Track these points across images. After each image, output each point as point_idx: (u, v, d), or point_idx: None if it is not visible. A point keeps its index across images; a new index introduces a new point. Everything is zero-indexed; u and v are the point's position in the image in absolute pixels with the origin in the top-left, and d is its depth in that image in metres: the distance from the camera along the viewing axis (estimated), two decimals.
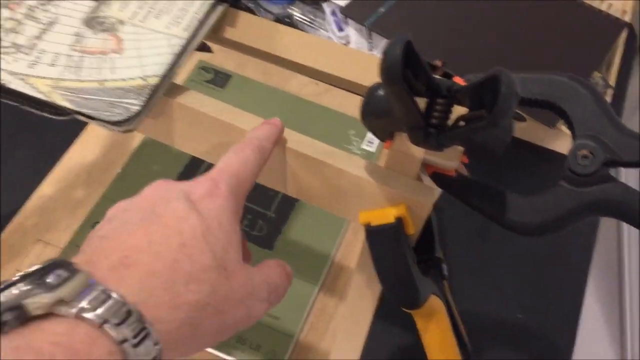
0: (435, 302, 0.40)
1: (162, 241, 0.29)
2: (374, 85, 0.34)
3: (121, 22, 0.39)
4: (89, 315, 0.24)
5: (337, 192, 0.40)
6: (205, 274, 0.29)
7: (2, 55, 0.37)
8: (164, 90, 0.38)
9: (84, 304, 0.25)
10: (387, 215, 0.37)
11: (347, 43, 0.82)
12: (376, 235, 0.37)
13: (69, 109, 0.35)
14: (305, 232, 0.68)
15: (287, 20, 0.81)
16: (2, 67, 0.36)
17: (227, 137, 0.39)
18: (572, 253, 0.72)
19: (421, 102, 0.32)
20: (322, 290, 0.65)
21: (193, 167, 0.72)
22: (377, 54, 0.81)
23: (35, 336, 0.24)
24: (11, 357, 0.23)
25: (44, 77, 0.36)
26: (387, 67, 0.26)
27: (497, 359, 0.63)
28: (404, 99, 0.28)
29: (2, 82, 0.36)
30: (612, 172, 0.37)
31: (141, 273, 0.27)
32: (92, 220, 0.67)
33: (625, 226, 0.98)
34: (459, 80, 0.38)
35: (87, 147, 0.74)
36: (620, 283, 0.85)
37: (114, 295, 0.26)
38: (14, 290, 0.24)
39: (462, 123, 0.31)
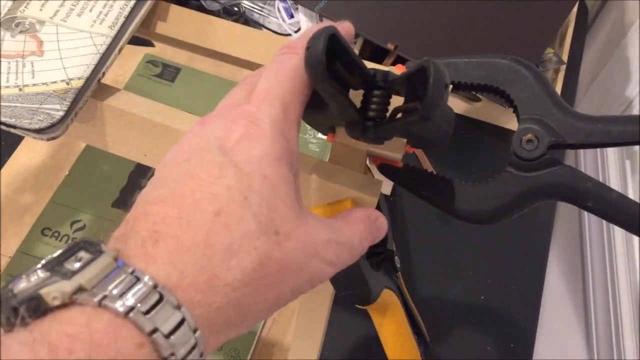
0: (388, 297, 0.39)
1: (193, 208, 0.24)
2: None
3: (41, 22, 0.37)
4: (112, 303, 0.21)
5: None
6: (249, 243, 0.24)
7: None
8: (90, 93, 0.35)
9: (108, 290, 0.21)
10: (331, 211, 0.36)
11: (298, 30, 0.81)
12: None
13: None
14: None
15: (235, 10, 0.79)
16: None
17: (163, 139, 0.37)
18: (533, 232, 0.72)
19: (357, 95, 0.31)
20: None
21: (145, 165, 0.70)
22: None
23: (52, 328, 0.21)
24: (24, 353, 0.20)
25: None
26: (309, 65, 0.25)
27: (461, 342, 0.63)
28: (335, 96, 0.27)
29: None
30: (570, 154, 0.36)
31: (171, 249, 0.23)
32: (41, 226, 0.65)
33: None
34: (399, 69, 0.37)
35: (33, 149, 0.71)
36: (582, 259, 0.86)
37: (144, 278, 0.22)
38: (32, 278, 0.21)
39: (399, 115, 0.30)
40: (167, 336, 0.22)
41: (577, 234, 0.90)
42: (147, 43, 0.47)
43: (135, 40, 0.41)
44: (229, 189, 0.25)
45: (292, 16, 0.81)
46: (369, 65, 0.40)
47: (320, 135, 0.75)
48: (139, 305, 0.21)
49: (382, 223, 0.32)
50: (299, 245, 0.26)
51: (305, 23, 0.80)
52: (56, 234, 0.65)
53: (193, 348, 0.23)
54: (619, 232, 0.79)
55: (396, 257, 0.41)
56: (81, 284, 0.21)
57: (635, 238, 0.76)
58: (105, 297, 0.21)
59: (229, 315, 0.24)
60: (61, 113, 0.33)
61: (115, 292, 0.21)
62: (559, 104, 0.36)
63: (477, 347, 0.63)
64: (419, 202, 0.61)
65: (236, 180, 0.25)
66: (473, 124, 0.78)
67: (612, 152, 0.84)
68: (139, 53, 0.78)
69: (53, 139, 0.33)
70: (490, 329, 0.65)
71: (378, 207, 0.38)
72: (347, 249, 0.29)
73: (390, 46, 0.75)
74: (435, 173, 0.38)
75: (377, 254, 0.41)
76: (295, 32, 0.80)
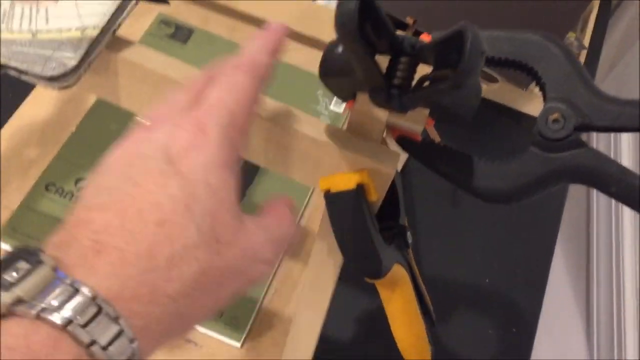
0: (399, 272, 0.39)
1: (136, 219, 0.24)
2: (332, 41, 0.31)
3: None
4: (50, 315, 0.21)
5: (295, 157, 0.37)
6: (190, 254, 0.25)
7: None
8: (105, 44, 0.34)
9: (46, 302, 0.22)
10: (347, 181, 0.35)
11: None
12: (336, 202, 0.35)
13: None
14: (270, 196, 0.66)
15: None
16: None
17: None
18: (541, 218, 0.71)
19: (383, 61, 0.30)
20: (286, 254, 0.64)
21: None
22: None
23: None
24: None
25: None
26: (341, 23, 0.24)
27: (463, 324, 0.63)
28: (362, 58, 0.26)
29: None
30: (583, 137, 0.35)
31: (114, 260, 0.23)
32: (46, 181, 0.64)
33: (594, 191, 0.98)
34: (426, 38, 0.35)
35: (41, 104, 0.70)
36: (587, 247, 0.85)
37: (83, 289, 0.22)
38: None
39: (426, 83, 0.29)
40: (105, 347, 0.22)
41: (583, 221, 0.89)
42: (161, 1, 0.45)
43: None
44: (172, 198, 0.25)
45: None
46: None
47: (332, 107, 0.74)
48: (78, 317, 0.22)
49: (292, 205, 0.33)
50: (239, 252, 0.27)
51: None
52: (60, 190, 0.64)
53: (131, 358, 0.23)
54: (628, 224, 0.79)
55: (408, 233, 0.40)
56: (19, 295, 0.21)
57: None
58: (43, 309, 0.21)
59: (168, 324, 0.25)
60: (74, 62, 0.32)
61: (54, 303, 0.22)
62: (588, 84, 0.35)
63: (479, 330, 0.63)
64: (428, 181, 0.60)
65: (180, 188, 0.25)
66: (483, 104, 0.77)
67: (625, 138, 0.83)
68: (152, 12, 0.77)
69: (65, 88, 0.32)
70: (493, 313, 0.64)
71: (392, 181, 0.37)
72: (282, 244, 0.30)
73: (409, 20, 0.73)
74: (454, 149, 0.37)
75: (389, 228, 0.40)
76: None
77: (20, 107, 0.69)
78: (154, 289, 0.24)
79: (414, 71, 0.30)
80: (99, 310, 0.22)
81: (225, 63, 0.30)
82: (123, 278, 0.23)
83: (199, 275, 0.25)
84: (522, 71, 0.36)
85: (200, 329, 0.59)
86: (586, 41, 0.80)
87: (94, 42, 0.33)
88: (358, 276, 0.38)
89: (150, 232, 0.24)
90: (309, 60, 0.76)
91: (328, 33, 0.45)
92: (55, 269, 0.23)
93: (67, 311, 0.21)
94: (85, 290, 0.22)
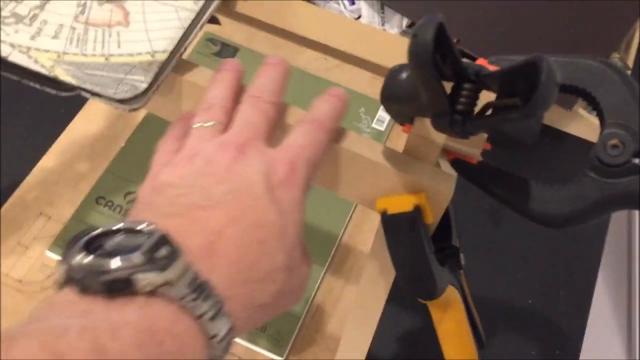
0: (452, 293, 0.39)
1: (245, 233, 0.28)
2: (395, 67, 0.32)
3: None
4: (191, 305, 0.24)
5: (350, 177, 0.38)
6: (277, 275, 0.29)
7: (1, 26, 0.34)
8: (172, 67, 0.36)
9: (186, 292, 0.24)
10: (405, 202, 0.35)
11: (359, 17, 0.80)
12: (393, 224, 0.36)
13: (72, 84, 0.33)
14: (313, 212, 0.67)
15: None
16: (2, 38, 0.34)
17: None
18: (584, 239, 0.70)
19: (447, 87, 0.30)
20: (329, 271, 0.64)
21: None
22: (389, 29, 0.79)
23: (142, 316, 0.23)
24: (126, 331, 0.22)
25: (47, 50, 0.34)
26: (417, 52, 0.25)
27: (506, 346, 0.62)
28: (433, 85, 0.26)
29: (3, 54, 0.34)
30: None
31: (230, 264, 0.27)
32: (96, 195, 0.66)
33: (637, 212, 0.96)
34: (482, 62, 0.36)
35: (91, 118, 0.72)
36: (629, 270, 0.84)
37: (213, 289, 0.25)
38: (128, 262, 0.23)
39: (489, 111, 0.29)
40: (221, 341, 0.25)
41: (626, 245, 0.88)
42: (213, 20, 0.47)
43: None
44: (272, 225, 0.29)
45: (353, 3, 0.80)
46: None
47: (374, 125, 0.74)
48: (210, 312, 0.24)
49: None
50: (301, 279, 0.31)
51: (366, 10, 0.79)
52: (110, 204, 0.65)
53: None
54: None
55: (461, 255, 0.41)
56: (169, 279, 0.23)
57: None
58: (184, 297, 0.24)
59: (244, 329, 0.28)
60: (145, 85, 0.33)
61: (192, 295, 0.24)
62: None
63: (522, 352, 0.62)
64: (468, 201, 0.60)
65: (278, 218, 0.29)
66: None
67: None
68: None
69: (135, 110, 0.34)
70: (536, 334, 0.64)
71: None
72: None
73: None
74: (510, 172, 0.37)
75: (442, 250, 0.40)
76: (357, 19, 0.79)
77: (72, 122, 0.71)
78: (251, 298, 0.27)
79: (476, 97, 0.30)
80: (219, 310, 0.25)
81: (308, 119, 0.34)
82: (231, 283, 0.26)
83: (276, 293, 0.28)
84: (578, 96, 0.37)
85: (245, 343, 0.59)
86: (630, 61, 0.79)
87: (163, 66, 0.34)
88: (405, 296, 0.38)
89: (255, 248, 0.28)
90: (352, 78, 0.77)
91: (373, 53, 0.46)
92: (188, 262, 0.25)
93: (202, 306, 0.24)
94: (214, 290, 0.25)
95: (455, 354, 0.40)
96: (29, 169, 0.67)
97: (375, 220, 0.37)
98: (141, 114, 0.72)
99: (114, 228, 0.25)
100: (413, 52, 0.25)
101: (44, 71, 0.33)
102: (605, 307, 0.83)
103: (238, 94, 0.35)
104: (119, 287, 0.23)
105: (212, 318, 0.24)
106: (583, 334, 0.64)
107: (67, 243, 0.24)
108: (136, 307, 0.23)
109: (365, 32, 0.46)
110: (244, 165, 0.30)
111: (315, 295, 0.63)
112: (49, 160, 0.68)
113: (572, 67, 0.36)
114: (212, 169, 0.30)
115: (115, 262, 0.23)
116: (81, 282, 0.23)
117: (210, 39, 0.78)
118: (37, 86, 0.34)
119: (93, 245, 0.24)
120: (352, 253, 0.65)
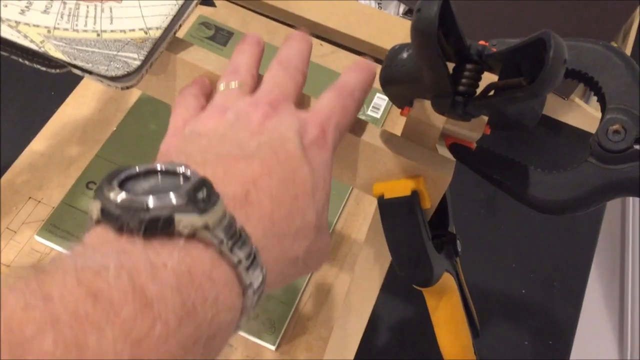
0: (447, 280, 0.38)
1: (279, 186, 0.28)
2: (396, 46, 0.31)
3: None
4: (228, 252, 0.23)
5: (347, 160, 0.37)
6: (308, 231, 0.29)
7: None
8: (165, 45, 0.35)
9: (224, 238, 0.23)
10: (403, 187, 0.35)
11: (379, 3, 0.79)
12: (390, 209, 0.35)
13: (63, 61, 0.32)
14: None
15: None
16: None
17: None
18: (578, 228, 0.70)
19: (448, 67, 0.30)
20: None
21: None
22: (386, 11, 0.78)
23: (182, 259, 0.22)
24: (164, 272, 0.21)
25: (37, 25, 0.33)
26: (421, 28, 0.24)
27: (499, 335, 0.62)
28: (436, 64, 0.26)
29: None
30: None
31: (264, 215, 0.27)
32: (86, 180, 0.65)
33: (630, 203, 0.96)
34: (482, 44, 0.35)
35: (82, 102, 0.71)
36: (622, 260, 0.84)
37: (248, 239, 0.24)
38: (166, 201, 0.22)
39: (492, 92, 0.29)
40: (255, 292, 0.25)
41: (618, 235, 0.88)
42: (208, 2, 0.46)
43: None
44: (304, 181, 0.29)
45: None
46: None
47: (369, 112, 0.74)
48: (245, 262, 0.24)
49: None
50: (326, 240, 0.31)
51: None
52: None
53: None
54: None
55: (458, 242, 0.40)
56: (208, 223, 0.22)
57: None
58: (222, 242, 0.23)
59: (273, 283, 0.27)
60: (138, 62, 0.32)
61: (229, 242, 0.23)
62: None
63: (515, 341, 0.62)
64: (464, 188, 0.60)
65: (310, 175, 0.29)
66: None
67: None
68: (193, 14, 0.77)
69: (127, 88, 0.33)
70: (530, 324, 0.63)
71: None
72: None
73: None
74: (510, 157, 0.36)
75: (439, 236, 0.39)
76: (379, 3, 0.78)
77: (62, 106, 0.70)
78: (283, 251, 0.27)
79: (479, 78, 0.29)
80: (254, 259, 0.24)
81: (338, 86, 0.34)
82: (267, 234, 0.26)
83: (305, 250, 0.29)
84: (579, 80, 0.36)
85: None
86: (627, 51, 0.78)
87: (157, 43, 0.33)
88: (400, 282, 0.37)
89: (289, 202, 0.28)
90: (347, 65, 0.76)
91: (369, 34, 0.45)
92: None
93: (239, 254, 0.23)
94: (249, 241, 0.24)
95: (450, 341, 0.40)
96: (19, 153, 0.66)
97: (370, 207, 0.37)
98: (133, 98, 0.71)
99: (153, 168, 0.23)
100: (417, 28, 0.24)
101: (33, 46, 0.32)
102: (599, 297, 0.83)
103: (259, 65, 0.35)
104: (158, 227, 0.22)
105: (248, 268, 0.24)
106: (576, 323, 0.64)
107: (101, 180, 0.23)
108: (175, 249, 0.22)
109: (363, 13, 0.45)
110: (276, 122, 0.30)
111: (308, 282, 0.62)
112: (38, 144, 0.67)
113: (575, 51, 0.36)
114: (244, 123, 0.30)
115: (156, 201, 0.22)
116: (118, 220, 0.22)
117: (204, 23, 0.77)
118: (27, 62, 0.33)
119: (127, 186, 0.23)
120: (345, 241, 0.65)
